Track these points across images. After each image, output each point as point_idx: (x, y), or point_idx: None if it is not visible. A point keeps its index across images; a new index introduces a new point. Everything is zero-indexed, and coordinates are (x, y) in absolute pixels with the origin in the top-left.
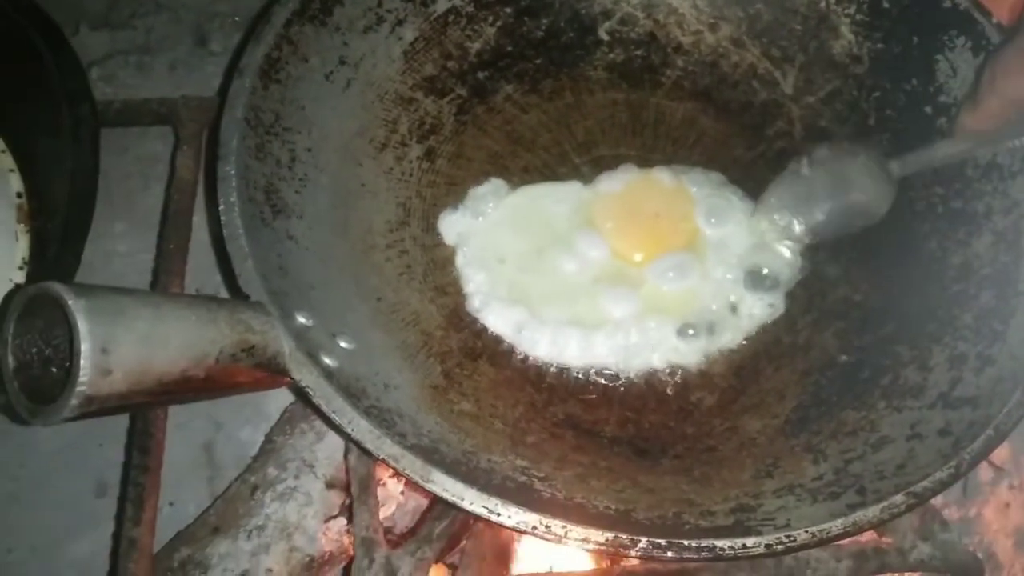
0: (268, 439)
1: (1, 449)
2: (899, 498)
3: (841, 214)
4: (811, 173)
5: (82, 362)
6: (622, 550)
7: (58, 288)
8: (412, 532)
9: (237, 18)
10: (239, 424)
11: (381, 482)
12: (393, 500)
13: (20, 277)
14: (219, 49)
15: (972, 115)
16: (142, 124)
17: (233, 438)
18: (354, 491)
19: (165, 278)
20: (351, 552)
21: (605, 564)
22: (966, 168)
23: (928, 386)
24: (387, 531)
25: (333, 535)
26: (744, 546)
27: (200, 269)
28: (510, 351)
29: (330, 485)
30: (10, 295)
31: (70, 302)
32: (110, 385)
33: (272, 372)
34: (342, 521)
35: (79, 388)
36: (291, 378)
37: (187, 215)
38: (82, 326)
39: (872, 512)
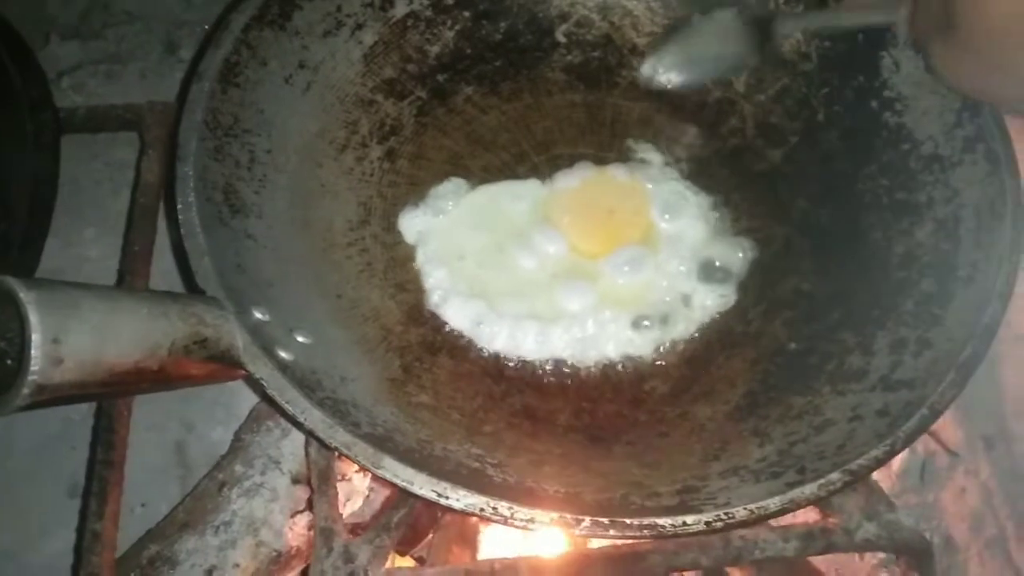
0: (236, 437)
1: None
2: (835, 475)
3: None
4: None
5: (33, 351)
6: (567, 528)
7: (10, 282)
8: (371, 521)
9: (207, 26)
10: (210, 424)
11: (346, 477)
12: (359, 495)
13: None
14: (189, 56)
15: None
16: (108, 130)
17: (204, 438)
18: (314, 483)
19: (130, 279)
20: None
21: (566, 551)
22: (910, 160)
23: (870, 370)
24: (354, 526)
25: (299, 530)
26: (684, 523)
27: (166, 273)
28: (469, 345)
29: (296, 480)
30: None
31: (21, 294)
32: (61, 374)
33: (226, 364)
34: (308, 516)
35: (30, 377)
36: (246, 370)
37: (152, 218)
38: (32, 316)
39: (809, 489)
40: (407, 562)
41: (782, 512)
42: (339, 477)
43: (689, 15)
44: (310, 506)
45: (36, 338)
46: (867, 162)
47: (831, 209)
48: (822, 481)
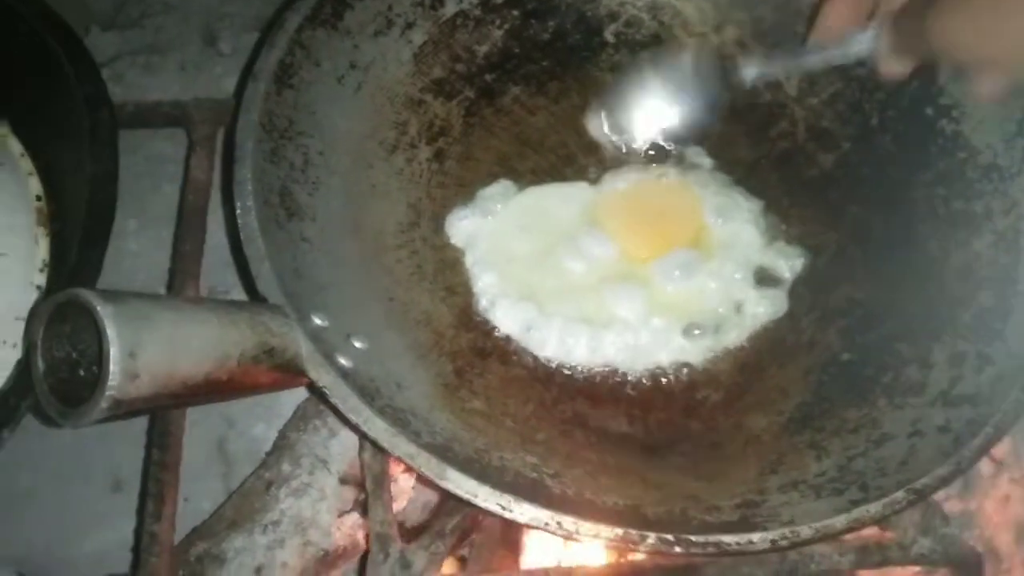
0: (282, 435)
1: (17, 446)
2: (900, 494)
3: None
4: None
5: (111, 366)
6: (631, 545)
7: (87, 295)
8: (425, 527)
9: (246, 19)
10: (252, 421)
11: (394, 478)
12: (405, 495)
13: (41, 280)
14: (228, 50)
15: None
16: (154, 126)
17: (246, 435)
18: (369, 487)
19: (181, 279)
20: (364, 546)
21: (612, 558)
22: (967, 169)
23: (929, 384)
24: (399, 525)
25: (347, 530)
26: (750, 542)
27: (214, 269)
28: (519, 350)
29: (343, 481)
30: (38, 302)
31: (99, 308)
32: (137, 388)
33: (291, 373)
34: (355, 516)
35: (108, 392)
36: (309, 378)
37: (201, 216)
38: (110, 331)
39: (874, 508)
40: (451, 562)
41: (847, 531)
42: None
43: (639, 65)
44: (357, 506)
45: (114, 352)
46: (922, 170)
47: (885, 217)
48: (887, 500)
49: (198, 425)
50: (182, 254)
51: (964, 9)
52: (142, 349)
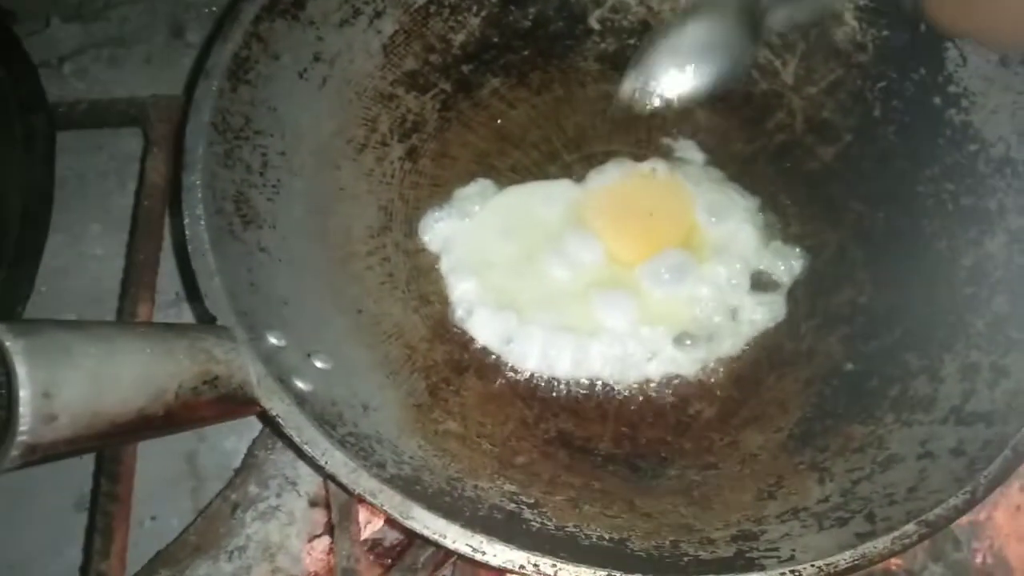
0: (250, 453)
1: None
2: (911, 527)
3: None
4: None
5: (22, 409)
6: None
7: None
8: (398, 558)
9: (214, 8)
10: (223, 434)
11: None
12: (381, 516)
13: None
14: (196, 40)
15: None
16: (110, 125)
17: (217, 448)
18: (335, 518)
19: (134, 291)
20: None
21: None
22: (977, 163)
23: (939, 399)
24: (375, 545)
25: (317, 555)
26: None
27: (175, 274)
28: (498, 364)
29: (313, 503)
30: None
31: (7, 344)
32: (55, 431)
33: (239, 402)
34: (326, 540)
35: (19, 438)
36: (260, 407)
37: (158, 222)
38: (20, 370)
39: (882, 543)
40: None
41: (852, 570)
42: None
43: (663, 18)
44: (328, 530)
45: (25, 394)
46: (929, 163)
47: (889, 213)
48: (896, 534)
49: (166, 439)
50: (136, 264)
51: None
52: (60, 387)
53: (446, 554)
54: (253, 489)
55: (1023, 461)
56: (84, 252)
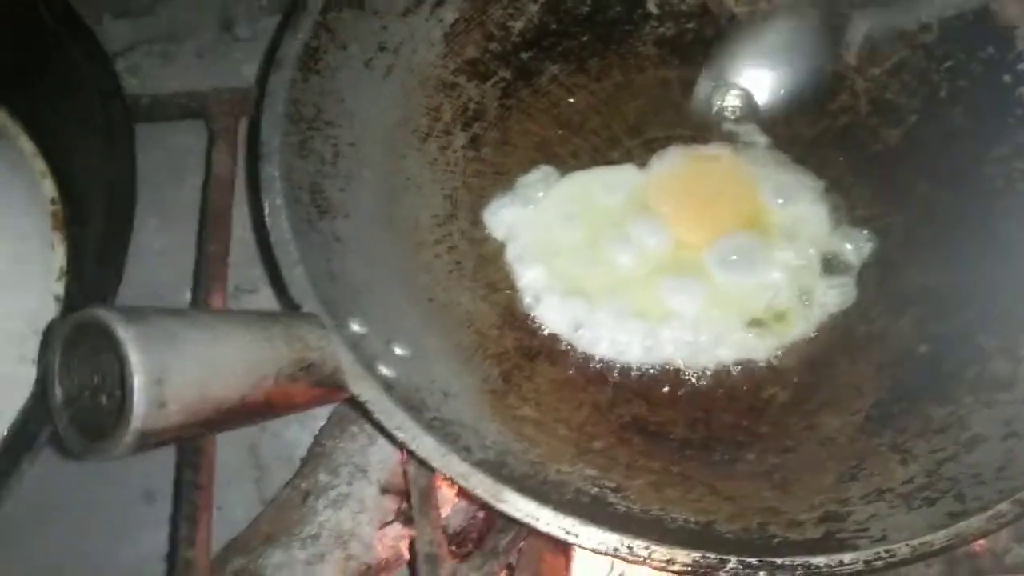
0: (317, 442)
1: (47, 458)
2: (1005, 506)
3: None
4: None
5: (135, 396)
6: (709, 571)
7: (105, 315)
8: (478, 544)
9: (264, 2)
10: (285, 424)
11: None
12: (449, 502)
13: (58, 289)
14: (246, 35)
15: None
16: (172, 119)
17: (279, 437)
18: (415, 503)
19: (208, 282)
20: (407, 557)
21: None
22: None
23: (1019, 378)
24: (450, 539)
25: (389, 542)
26: (841, 563)
27: (239, 265)
28: (568, 350)
29: (384, 490)
30: (54, 321)
31: (119, 331)
32: (166, 418)
33: (331, 388)
34: (398, 527)
35: (133, 425)
36: (350, 393)
37: (226, 215)
38: (133, 357)
39: (977, 522)
40: None
41: (947, 549)
42: None
43: (742, 20)
44: (400, 516)
45: (138, 381)
46: (998, 143)
47: (957, 194)
48: (991, 513)
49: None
50: (207, 256)
51: None
52: (169, 375)
53: (519, 539)
54: (323, 477)
55: None
56: (142, 245)
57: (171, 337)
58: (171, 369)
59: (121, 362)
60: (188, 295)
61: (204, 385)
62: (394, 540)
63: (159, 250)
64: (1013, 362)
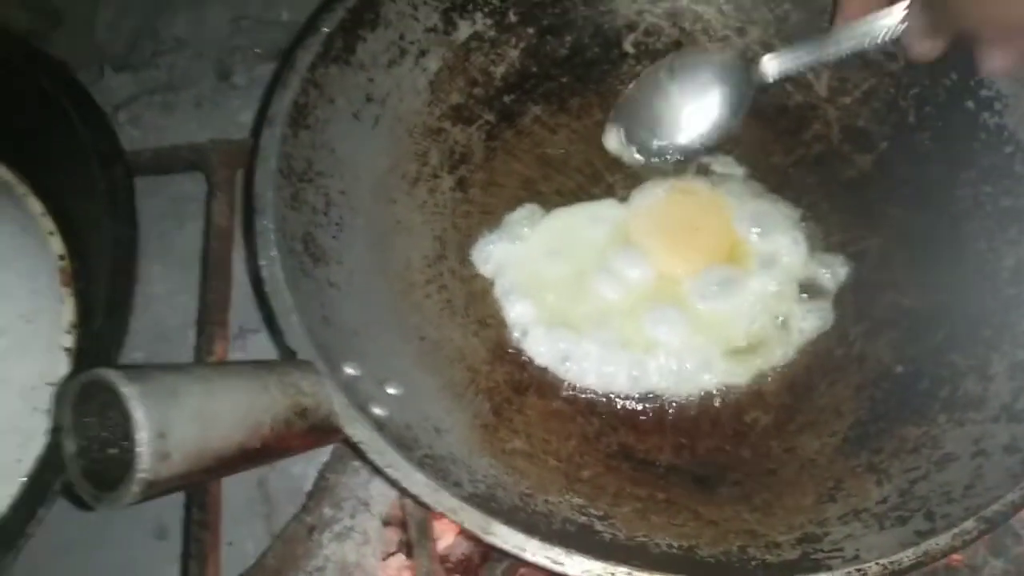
0: (322, 476)
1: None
2: (970, 524)
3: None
4: (668, 80)
5: (140, 449)
6: None
7: (112, 375)
8: (468, 572)
9: (258, 50)
10: (292, 460)
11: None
12: (451, 531)
13: (68, 341)
14: (242, 82)
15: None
16: (174, 171)
17: (286, 473)
18: (412, 536)
19: (210, 329)
20: None
21: None
22: (1015, 164)
23: (989, 397)
24: (444, 560)
25: (392, 572)
26: None
27: (243, 306)
28: (557, 382)
29: (386, 522)
30: (65, 379)
31: (124, 390)
32: (169, 468)
33: (325, 431)
34: (400, 558)
35: (140, 475)
36: (344, 434)
37: (226, 263)
38: (137, 414)
39: (943, 540)
40: None
41: (916, 567)
42: None
43: (654, 72)
44: (402, 547)
45: (143, 436)
46: (966, 167)
47: (929, 217)
48: (956, 531)
49: None
50: (208, 304)
51: None
52: (171, 428)
53: (516, 566)
54: (328, 511)
55: None
56: (147, 292)
57: (172, 393)
58: (173, 423)
59: (127, 418)
60: (193, 336)
61: (204, 436)
62: (397, 571)
63: (164, 294)
64: (983, 381)
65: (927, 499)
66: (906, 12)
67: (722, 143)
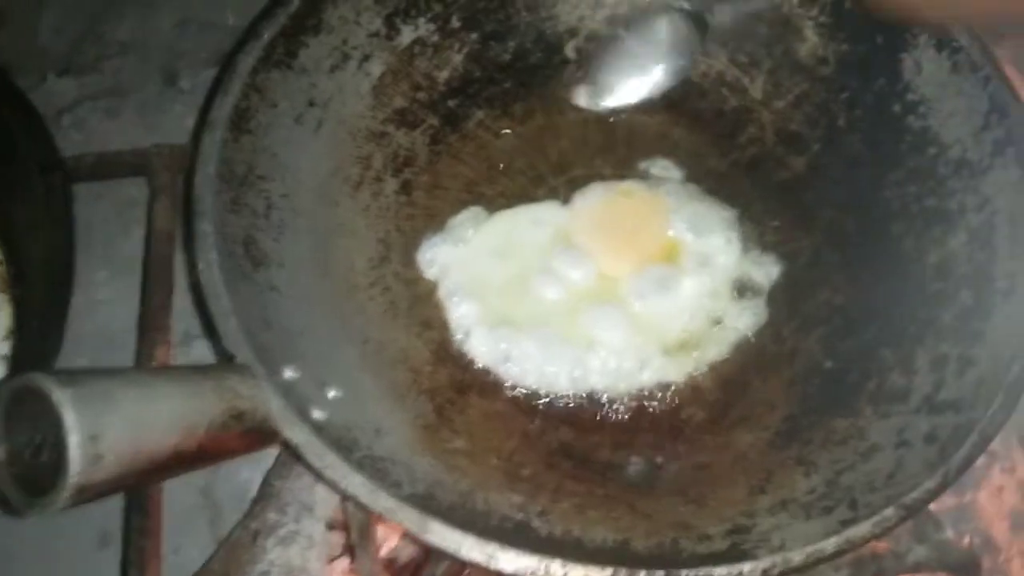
0: (266, 482)
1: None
2: (890, 511)
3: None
4: (625, 36)
5: (71, 453)
6: None
7: (42, 380)
8: (416, 572)
9: (204, 54)
10: (237, 466)
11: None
12: (396, 532)
13: (5, 348)
14: (188, 87)
15: None
16: (116, 176)
17: (232, 479)
18: (354, 538)
19: (151, 335)
20: None
21: None
22: (937, 165)
23: (913, 389)
24: (390, 563)
25: (337, 575)
26: (740, 573)
27: (186, 314)
28: (499, 382)
29: (331, 526)
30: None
31: (55, 394)
32: (102, 471)
33: (263, 434)
34: (345, 561)
35: (71, 479)
36: (282, 437)
37: (167, 267)
38: (68, 417)
39: (864, 528)
40: None
41: (838, 554)
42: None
43: (614, 30)
44: (347, 551)
45: (74, 439)
46: (893, 168)
47: (859, 217)
48: (877, 518)
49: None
50: (150, 309)
51: None
52: (104, 431)
53: (461, 566)
54: (272, 516)
55: (988, 443)
56: (93, 297)
57: (105, 396)
58: (105, 425)
59: (58, 422)
60: (136, 342)
61: (137, 439)
62: (341, 574)
63: (108, 300)
64: (908, 374)
65: (852, 489)
66: None
67: (660, 147)
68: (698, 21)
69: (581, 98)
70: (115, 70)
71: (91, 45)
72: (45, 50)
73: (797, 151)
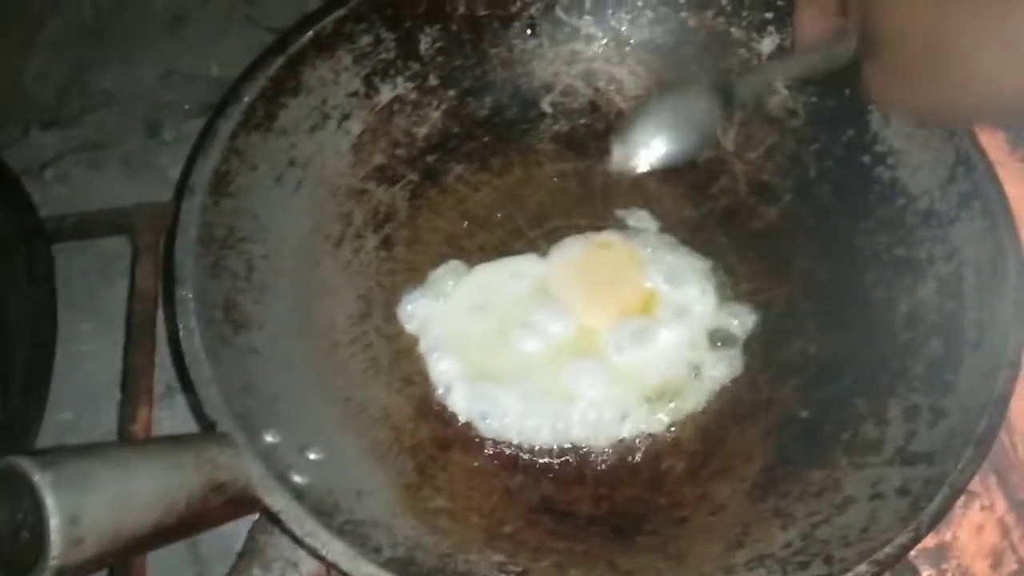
0: (251, 537)
1: None
2: (863, 568)
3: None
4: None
5: (52, 537)
6: None
7: (23, 463)
8: None
9: (188, 106)
10: None
11: None
12: None
13: None
14: (171, 138)
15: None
16: (98, 236)
17: (217, 534)
18: None
19: (134, 395)
20: None
21: None
22: (906, 215)
23: (886, 440)
24: None
25: None
26: None
27: (169, 367)
28: (480, 437)
29: None
30: None
31: (35, 478)
32: (82, 553)
33: (244, 503)
34: None
35: (51, 563)
36: (263, 505)
37: (150, 325)
38: (49, 501)
39: None
40: None
41: None
42: None
43: (647, 96)
44: None
45: (55, 523)
46: (863, 217)
47: (831, 266)
48: (850, 574)
49: None
50: (132, 369)
51: (898, 74)
52: (84, 513)
53: None
54: (257, 572)
55: (959, 496)
56: (75, 351)
57: (84, 477)
58: (85, 508)
59: (38, 505)
60: (119, 395)
61: (118, 518)
62: None
63: (91, 353)
64: (881, 425)
65: (827, 543)
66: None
67: (635, 198)
68: (725, 93)
69: (616, 158)
70: (98, 122)
71: (75, 96)
72: (29, 101)
73: (769, 201)
